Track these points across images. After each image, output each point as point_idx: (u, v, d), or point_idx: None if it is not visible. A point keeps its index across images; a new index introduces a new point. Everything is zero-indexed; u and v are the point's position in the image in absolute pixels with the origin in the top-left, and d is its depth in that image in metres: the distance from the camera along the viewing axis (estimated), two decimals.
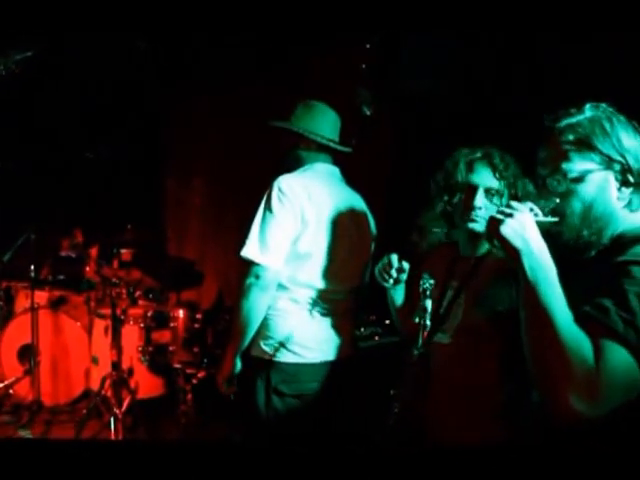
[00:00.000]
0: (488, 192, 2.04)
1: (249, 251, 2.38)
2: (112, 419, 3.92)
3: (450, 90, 3.62)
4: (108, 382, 4.05)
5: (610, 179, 1.44)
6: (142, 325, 4.44)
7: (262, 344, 2.50)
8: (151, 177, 6.14)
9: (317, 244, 2.47)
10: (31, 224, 4.47)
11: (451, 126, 3.42)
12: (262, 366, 2.49)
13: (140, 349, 4.40)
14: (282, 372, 2.46)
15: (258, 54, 4.73)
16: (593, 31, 2.73)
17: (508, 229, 1.38)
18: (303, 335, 2.48)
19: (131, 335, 4.37)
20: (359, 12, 3.77)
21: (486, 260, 2.06)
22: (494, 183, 2.04)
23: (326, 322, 2.54)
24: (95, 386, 4.27)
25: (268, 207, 2.40)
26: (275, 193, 2.40)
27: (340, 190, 2.61)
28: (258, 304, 2.40)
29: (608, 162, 1.43)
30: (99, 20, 4.26)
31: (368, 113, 4.08)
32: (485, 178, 2.04)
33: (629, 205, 1.45)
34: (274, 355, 2.47)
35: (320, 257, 2.49)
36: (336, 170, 2.66)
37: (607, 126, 1.43)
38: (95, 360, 4.52)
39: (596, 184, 1.44)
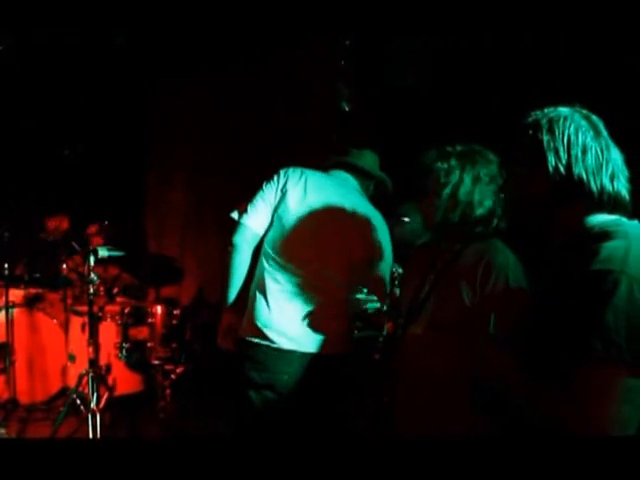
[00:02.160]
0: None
1: (234, 213, 2.67)
2: (90, 416, 3.86)
3: (431, 87, 3.64)
4: (85, 379, 3.98)
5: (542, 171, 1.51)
6: (119, 322, 4.42)
7: (244, 323, 2.59)
8: (131, 174, 6.11)
9: (299, 223, 2.55)
10: (5, 222, 4.44)
11: (432, 123, 3.44)
12: (240, 348, 2.57)
13: (117, 346, 4.37)
14: (253, 358, 2.51)
15: (240, 50, 4.71)
16: (576, 33, 2.75)
17: None
18: (279, 321, 2.51)
19: (108, 332, 4.35)
20: (341, 12, 3.78)
21: (462, 255, 2.08)
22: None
23: (306, 313, 2.54)
24: (72, 383, 4.24)
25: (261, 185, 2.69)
26: (273, 175, 2.68)
27: (345, 194, 2.65)
28: (232, 259, 2.60)
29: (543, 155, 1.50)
30: (76, 15, 4.23)
31: (347, 109, 4.10)
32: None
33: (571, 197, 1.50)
34: (249, 335, 2.54)
35: (301, 240, 2.55)
36: (353, 180, 2.75)
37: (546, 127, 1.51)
38: (72, 357, 4.51)
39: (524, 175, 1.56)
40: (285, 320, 2.51)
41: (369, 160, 2.80)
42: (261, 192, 2.65)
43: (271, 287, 2.56)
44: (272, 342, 2.50)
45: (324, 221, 2.57)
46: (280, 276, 2.55)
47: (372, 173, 2.78)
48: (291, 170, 2.67)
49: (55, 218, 5.08)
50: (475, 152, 2.09)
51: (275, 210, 2.62)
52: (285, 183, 2.62)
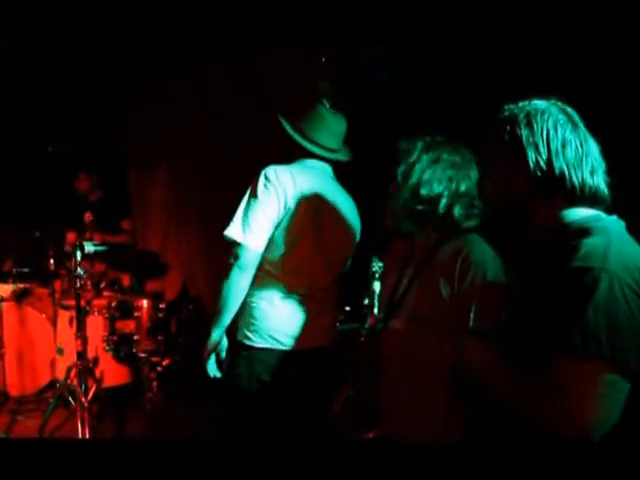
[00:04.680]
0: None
1: (231, 231, 2.48)
2: (78, 408, 3.93)
3: (410, 84, 3.70)
4: (74, 372, 4.05)
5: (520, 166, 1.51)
6: (106, 315, 4.48)
7: (245, 329, 2.57)
8: (114, 171, 6.15)
9: (300, 232, 2.54)
10: None
11: (410, 120, 3.50)
12: (245, 352, 2.56)
13: (105, 339, 4.43)
14: (264, 361, 2.53)
15: (222, 50, 4.75)
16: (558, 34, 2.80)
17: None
18: (285, 323, 2.56)
19: (96, 325, 4.41)
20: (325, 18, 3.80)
21: (439, 250, 2.07)
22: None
23: (308, 312, 2.60)
24: (61, 376, 4.29)
25: (253, 193, 2.50)
26: (261, 180, 2.50)
27: (329, 186, 2.67)
28: (236, 283, 2.49)
29: (520, 149, 1.50)
30: (61, 15, 4.26)
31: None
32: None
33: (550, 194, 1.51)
34: (256, 341, 2.54)
35: (301, 246, 2.55)
36: (328, 168, 2.72)
37: (523, 121, 1.51)
38: (60, 351, 4.56)
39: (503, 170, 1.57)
40: (292, 323, 2.57)
41: (329, 129, 2.69)
42: (261, 206, 2.48)
43: (274, 295, 2.57)
44: (282, 345, 2.54)
45: (321, 226, 2.58)
46: (283, 285, 2.57)
47: (339, 158, 2.73)
48: (281, 174, 2.52)
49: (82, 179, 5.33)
50: (446, 140, 2.09)
51: (277, 226, 2.52)
52: (285, 197, 2.49)
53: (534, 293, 1.45)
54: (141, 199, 6.21)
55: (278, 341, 2.55)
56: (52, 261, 4.74)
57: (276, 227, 2.52)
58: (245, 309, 2.58)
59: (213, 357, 2.58)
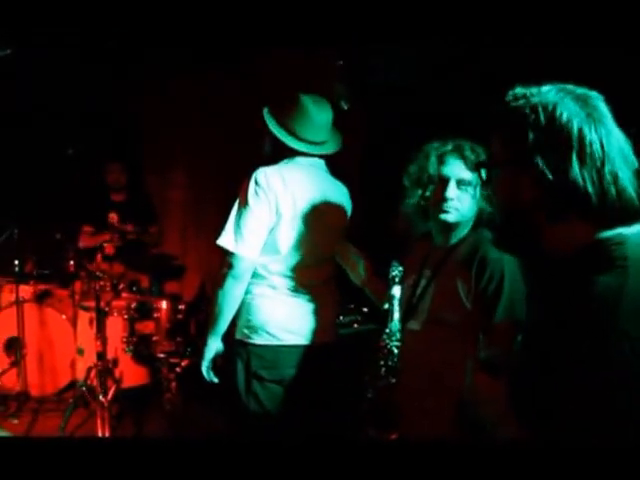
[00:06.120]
0: (460, 183, 2.07)
1: (224, 240, 2.48)
2: (98, 408, 3.95)
3: (422, 85, 3.71)
4: (94, 372, 4.09)
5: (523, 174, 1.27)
6: (126, 316, 4.51)
7: (242, 327, 2.59)
8: (132, 173, 6.18)
9: (293, 234, 2.55)
10: (14, 219, 4.57)
11: (423, 120, 3.51)
12: (243, 350, 2.57)
13: (124, 340, 4.47)
14: (261, 356, 2.54)
15: (223, 50, 4.75)
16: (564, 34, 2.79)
17: None
18: (281, 318, 2.56)
19: (115, 326, 4.44)
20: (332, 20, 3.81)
21: (456, 251, 2.10)
22: (466, 174, 2.06)
23: (304, 307, 2.62)
24: (81, 376, 4.34)
25: (244, 199, 2.49)
26: (251, 185, 2.48)
27: (320, 181, 2.66)
28: (231, 292, 2.50)
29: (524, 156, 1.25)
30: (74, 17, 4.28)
31: (345, 107, 4.19)
32: (456, 170, 2.07)
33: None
34: (253, 337, 2.55)
35: (295, 247, 2.56)
36: (320, 162, 2.69)
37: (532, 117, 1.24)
38: (80, 351, 4.59)
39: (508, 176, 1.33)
40: (287, 317, 2.58)
41: (314, 122, 2.61)
42: (252, 213, 2.47)
43: (267, 292, 2.58)
44: (279, 340, 2.54)
45: (315, 224, 2.58)
46: (279, 282, 2.58)
47: (327, 150, 2.69)
48: (271, 177, 2.50)
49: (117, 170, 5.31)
50: (460, 140, 2.13)
51: (271, 229, 2.53)
52: (277, 201, 2.48)
53: (546, 304, 1.31)
54: (159, 202, 6.23)
55: (275, 336, 2.55)
56: (72, 263, 4.79)
57: (270, 230, 2.52)
58: (242, 307, 2.59)
59: (210, 363, 2.60)
